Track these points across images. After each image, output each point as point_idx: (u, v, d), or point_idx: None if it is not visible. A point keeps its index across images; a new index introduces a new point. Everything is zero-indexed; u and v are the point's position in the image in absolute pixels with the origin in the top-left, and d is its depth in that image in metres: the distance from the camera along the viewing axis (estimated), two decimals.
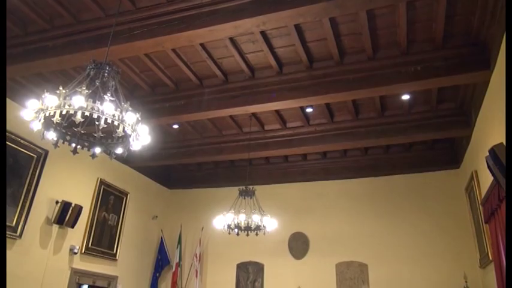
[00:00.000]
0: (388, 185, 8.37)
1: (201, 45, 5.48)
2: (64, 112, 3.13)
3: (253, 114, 7.21)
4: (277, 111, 7.07)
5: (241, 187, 6.91)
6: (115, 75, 3.61)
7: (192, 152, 8.54)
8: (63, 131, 3.48)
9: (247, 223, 6.53)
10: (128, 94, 6.58)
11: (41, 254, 6.56)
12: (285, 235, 8.68)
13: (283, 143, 7.80)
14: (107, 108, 3.20)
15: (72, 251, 7.12)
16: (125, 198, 8.58)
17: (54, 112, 3.13)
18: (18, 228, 6.12)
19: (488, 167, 4.20)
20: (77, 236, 7.27)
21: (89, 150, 3.64)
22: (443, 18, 4.69)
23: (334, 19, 4.92)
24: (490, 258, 5.65)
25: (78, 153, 3.55)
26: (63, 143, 3.55)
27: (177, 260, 9.14)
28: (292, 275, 8.41)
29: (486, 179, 5.35)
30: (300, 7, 4.28)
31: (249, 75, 6.12)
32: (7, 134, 5.89)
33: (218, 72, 6.10)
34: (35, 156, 6.52)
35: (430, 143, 7.95)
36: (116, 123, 3.26)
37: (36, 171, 6.50)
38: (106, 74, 3.52)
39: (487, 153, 4.08)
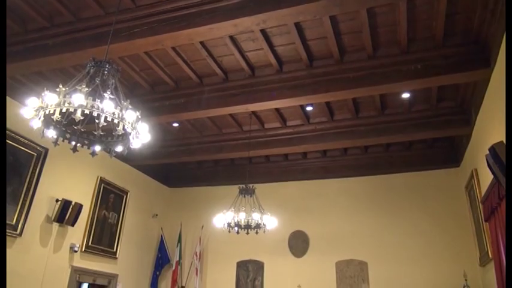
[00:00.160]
0: (388, 183, 8.38)
1: (201, 43, 5.48)
2: (64, 110, 3.13)
3: (253, 113, 7.20)
4: (277, 110, 7.07)
5: (241, 185, 6.91)
6: (115, 73, 3.60)
7: (192, 150, 8.54)
8: (63, 129, 3.48)
9: (247, 221, 6.53)
10: (128, 92, 6.57)
11: (41, 252, 6.57)
12: (285, 233, 8.69)
13: (283, 141, 7.80)
14: (107, 106, 3.20)
15: (72, 249, 7.13)
16: (125, 197, 8.59)
17: (54, 110, 3.12)
18: (18, 226, 6.12)
19: (488, 165, 4.21)
20: (77, 234, 7.28)
21: (88, 148, 3.64)
22: (444, 16, 4.68)
23: (334, 17, 4.91)
24: (490, 256, 5.65)
25: (78, 151, 3.55)
26: (63, 141, 3.56)
27: (177, 258, 9.15)
28: (292, 274, 8.42)
29: (486, 178, 5.35)
30: (300, 5, 4.28)
31: (249, 73, 6.12)
32: (7, 132, 5.89)
33: (218, 71, 6.10)
34: (35, 154, 6.52)
35: (430, 142, 7.95)
36: (115, 121, 3.26)
37: (36, 170, 6.51)
38: (106, 72, 3.52)
39: (487, 152, 4.08)
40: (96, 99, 3.21)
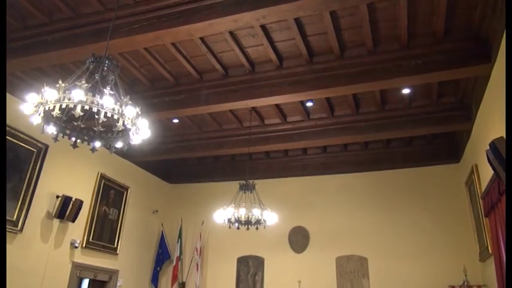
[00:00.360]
0: (388, 179, 8.38)
1: (201, 39, 5.46)
2: (64, 106, 3.13)
3: (254, 109, 7.20)
4: (277, 106, 7.07)
5: (241, 181, 6.91)
6: (114, 68, 3.60)
7: (192, 147, 8.55)
8: (63, 125, 3.48)
9: (248, 217, 6.54)
10: (128, 89, 6.56)
11: (42, 248, 6.59)
12: (285, 229, 8.70)
13: (284, 137, 7.80)
14: (107, 102, 3.20)
15: (73, 245, 7.15)
16: (125, 193, 8.59)
17: (54, 106, 3.12)
18: (19, 222, 6.13)
19: (489, 160, 4.21)
20: (77, 230, 7.29)
21: (88, 144, 3.64)
22: (445, 11, 4.67)
23: (334, 12, 4.89)
24: (490, 251, 5.67)
25: (78, 147, 3.56)
26: (63, 137, 3.56)
27: (178, 254, 9.18)
28: (293, 269, 8.44)
29: (486, 173, 5.35)
30: (300, 0, 4.26)
31: (249, 69, 6.11)
32: (7, 128, 5.89)
33: (218, 67, 6.09)
34: (35, 150, 6.52)
35: (430, 138, 7.94)
36: (115, 117, 3.25)
37: (36, 166, 6.51)
38: (105, 68, 3.51)
39: (488, 147, 4.08)
40: (96, 95, 3.20)
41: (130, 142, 3.60)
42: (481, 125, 5.87)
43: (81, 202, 7.11)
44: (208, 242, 9.36)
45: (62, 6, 5.02)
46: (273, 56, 5.75)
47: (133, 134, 3.52)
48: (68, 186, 7.12)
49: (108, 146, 3.65)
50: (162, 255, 9.32)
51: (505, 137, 3.72)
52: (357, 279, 7.91)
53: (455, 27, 5.06)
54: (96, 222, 7.71)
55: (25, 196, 6.28)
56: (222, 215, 6.66)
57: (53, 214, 6.80)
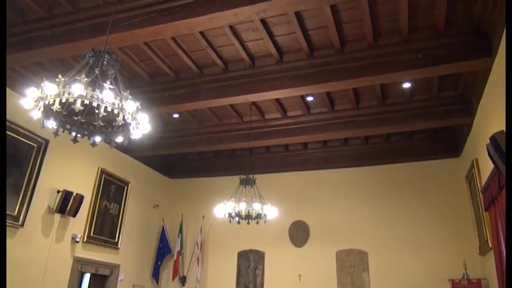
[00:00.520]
0: (389, 173, 8.38)
1: (201, 33, 5.44)
2: (63, 100, 3.12)
3: (254, 103, 7.19)
4: (277, 100, 7.06)
5: (241, 176, 6.92)
6: (114, 63, 3.59)
7: (192, 141, 8.55)
8: (63, 119, 3.48)
9: (248, 211, 6.55)
10: (128, 83, 6.55)
11: (44, 243, 6.61)
12: (285, 223, 8.73)
13: (284, 132, 7.80)
14: (107, 96, 3.19)
15: (74, 240, 7.17)
16: (126, 188, 8.61)
17: (54, 100, 3.11)
18: (20, 217, 6.15)
19: (489, 154, 4.21)
20: (78, 225, 7.31)
21: (89, 139, 3.64)
22: (445, 5, 4.65)
23: (335, 6, 4.87)
24: (490, 245, 5.68)
25: (78, 141, 3.55)
26: (63, 132, 3.56)
27: (179, 249, 9.22)
28: (293, 263, 8.48)
29: (487, 167, 5.35)
30: None
31: (249, 63, 6.09)
32: (7, 123, 5.89)
33: (218, 61, 6.07)
34: (36, 145, 6.52)
35: (430, 132, 7.93)
36: (115, 111, 3.25)
37: (37, 161, 6.52)
38: (105, 62, 3.50)
39: (488, 141, 4.07)
40: (96, 90, 3.19)
41: (131, 137, 3.60)
42: (481, 119, 5.86)
43: (82, 197, 7.13)
44: (209, 237, 9.39)
45: (61, 0, 5.00)
46: (273, 50, 5.74)
47: (133, 129, 3.52)
48: (69, 181, 7.13)
49: (109, 140, 3.65)
50: (163, 250, 9.36)
51: (505, 130, 3.72)
52: (357, 273, 7.95)
53: (456, 21, 5.04)
54: (97, 217, 7.73)
55: (26, 191, 6.30)
56: (223, 209, 6.68)
57: (54, 209, 6.82)
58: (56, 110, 3.15)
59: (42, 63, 6.20)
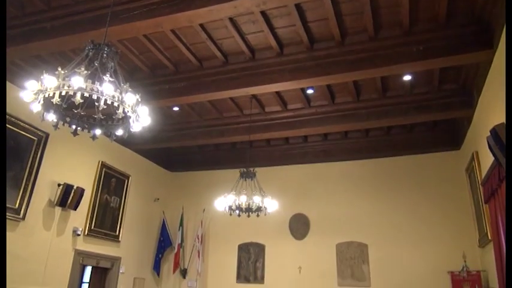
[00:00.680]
0: (389, 166, 8.39)
1: (201, 25, 5.42)
2: (63, 93, 3.11)
3: (254, 96, 7.17)
4: (277, 93, 7.04)
5: (242, 169, 6.92)
6: (114, 56, 3.58)
7: (192, 135, 8.54)
8: (63, 112, 3.47)
9: (248, 204, 6.56)
10: (128, 76, 6.53)
11: (45, 236, 6.64)
12: (285, 216, 8.75)
13: (284, 124, 7.79)
14: (107, 89, 3.18)
15: (75, 233, 7.20)
16: (126, 181, 8.62)
17: (54, 93, 3.11)
18: (21, 210, 6.17)
19: (489, 146, 4.20)
20: (79, 218, 7.33)
21: (89, 132, 3.64)
22: None
23: None
24: (489, 237, 5.70)
25: (78, 134, 3.55)
26: (64, 125, 3.55)
27: (179, 241, 9.26)
28: (293, 256, 8.51)
29: (487, 160, 5.35)
30: None
31: (250, 56, 6.07)
32: (7, 116, 5.88)
33: (218, 54, 6.05)
34: (36, 139, 6.52)
35: (430, 125, 7.93)
36: (115, 104, 3.24)
37: (37, 154, 6.52)
38: (105, 55, 3.49)
39: (489, 134, 4.07)
40: (96, 82, 3.19)
41: (131, 129, 3.59)
42: (482, 111, 5.85)
43: (83, 190, 7.14)
44: (210, 230, 9.42)
45: None
46: (274, 43, 5.71)
47: (133, 122, 3.51)
48: (69, 175, 7.14)
49: (109, 133, 3.65)
50: (164, 243, 9.40)
51: (505, 123, 3.71)
52: (357, 265, 7.98)
53: (457, 13, 5.01)
54: (97, 210, 7.75)
55: (26, 184, 6.31)
56: (223, 202, 6.69)
57: (55, 202, 6.83)
58: (56, 103, 3.14)
59: (41, 56, 6.18)
